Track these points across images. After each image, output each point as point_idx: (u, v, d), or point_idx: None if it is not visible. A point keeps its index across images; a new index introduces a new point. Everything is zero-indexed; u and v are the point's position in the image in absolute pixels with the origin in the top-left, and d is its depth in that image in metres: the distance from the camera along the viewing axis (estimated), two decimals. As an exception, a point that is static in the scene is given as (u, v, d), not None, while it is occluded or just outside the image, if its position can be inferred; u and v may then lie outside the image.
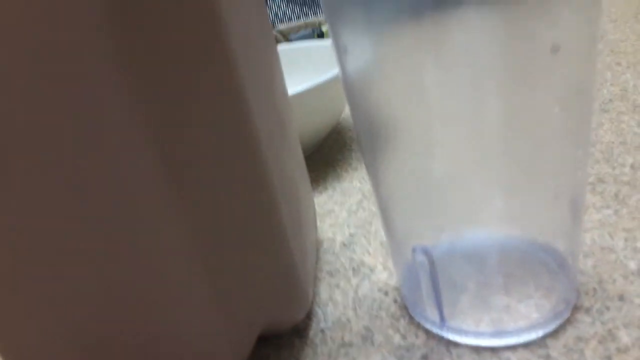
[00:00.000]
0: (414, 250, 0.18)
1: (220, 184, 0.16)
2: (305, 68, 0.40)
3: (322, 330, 0.20)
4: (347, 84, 0.17)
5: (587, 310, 0.19)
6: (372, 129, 0.17)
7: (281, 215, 0.18)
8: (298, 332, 0.21)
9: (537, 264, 0.20)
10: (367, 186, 0.30)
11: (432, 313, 0.19)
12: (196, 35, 0.14)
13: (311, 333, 0.20)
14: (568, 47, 0.14)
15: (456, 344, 0.19)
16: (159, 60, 0.14)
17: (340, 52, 0.17)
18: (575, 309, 0.19)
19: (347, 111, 0.42)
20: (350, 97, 0.18)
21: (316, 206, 0.29)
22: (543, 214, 0.18)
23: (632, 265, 0.20)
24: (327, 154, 0.35)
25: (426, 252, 0.18)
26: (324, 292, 0.22)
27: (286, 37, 0.56)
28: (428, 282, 0.18)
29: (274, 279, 0.19)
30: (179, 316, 0.16)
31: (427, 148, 0.16)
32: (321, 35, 0.59)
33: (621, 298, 0.19)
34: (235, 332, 0.18)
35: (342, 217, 0.28)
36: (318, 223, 0.28)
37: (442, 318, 0.19)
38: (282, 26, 0.57)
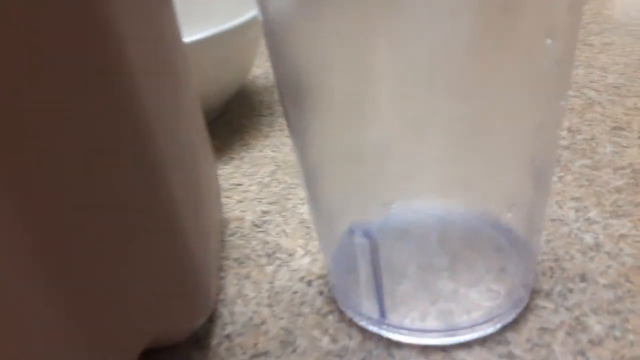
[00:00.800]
0: (351, 230, 0.14)
1: (79, 154, 0.11)
2: (205, 17, 0.34)
3: (229, 337, 0.16)
4: (268, 26, 0.13)
5: (548, 294, 0.16)
6: (298, 84, 0.13)
7: (173, 194, 0.14)
8: (197, 340, 0.16)
9: (485, 241, 0.17)
10: (281, 155, 0.26)
11: (369, 307, 0.15)
12: None
13: (214, 341, 0.16)
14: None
15: (399, 345, 0.15)
16: None
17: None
18: (534, 292, 0.16)
19: (255, 71, 0.37)
20: (272, 43, 0.13)
21: (221, 179, 0.24)
22: (499, 181, 0.15)
23: (588, 238, 0.18)
24: (233, 119, 0.30)
25: (367, 233, 0.14)
26: (230, 286, 0.18)
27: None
28: (368, 270, 0.14)
29: (164, 277, 0.14)
30: (19, 342, 0.11)
31: (362, 108, 0.13)
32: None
33: (583, 278, 0.16)
34: (104, 354, 0.13)
35: (252, 191, 0.23)
36: (223, 200, 0.23)
37: (383, 313, 0.15)
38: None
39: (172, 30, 0.17)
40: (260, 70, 0.37)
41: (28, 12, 0.10)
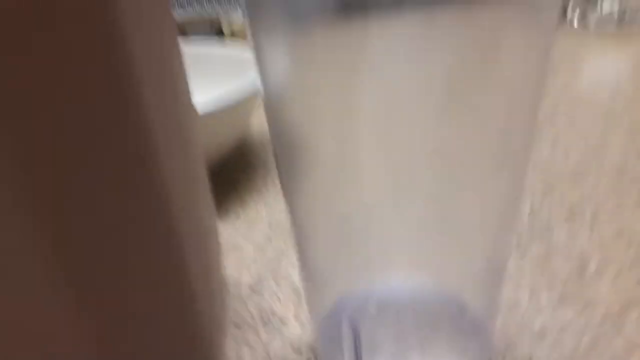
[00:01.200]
0: (341, 319, 0.17)
1: (107, 228, 0.13)
2: (205, 74, 0.37)
3: (229, 398, 0.18)
4: (266, 94, 0.15)
5: (499, 376, 0.19)
6: (290, 150, 0.15)
7: (185, 264, 0.16)
8: (202, 401, 0.18)
9: (450, 322, 0.19)
10: (274, 214, 0.28)
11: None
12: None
13: (217, 402, 0.18)
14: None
15: (374, 415, 0.18)
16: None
17: (260, 55, 0.14)
18: (488, 374, 0.19)
19: (252, 125, 0.39)
20: (269, 109, 0.15)
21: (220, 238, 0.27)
22: (462, 268, 0.17)
23: (537, 325, 0.21)
24: (230, 173, 0.33)
25: (353, 324, 0.16)
26: (230, 349, 0.20)
27: (182, 30, 0.52)
28: (351, 355, 0.17)
29: (173, 341, 0.16)
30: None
31: (346, 177, 0.14)
32: (220, 33, 0.55)
33: (529, 362, 0.19)
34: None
35: (248, 252, 0.26)
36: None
37: (362, 387, 0.18)
38: (178, 14, 0.53)
39: (185, 94, 0.18)
40: (258, 120, 0.39)
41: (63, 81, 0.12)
